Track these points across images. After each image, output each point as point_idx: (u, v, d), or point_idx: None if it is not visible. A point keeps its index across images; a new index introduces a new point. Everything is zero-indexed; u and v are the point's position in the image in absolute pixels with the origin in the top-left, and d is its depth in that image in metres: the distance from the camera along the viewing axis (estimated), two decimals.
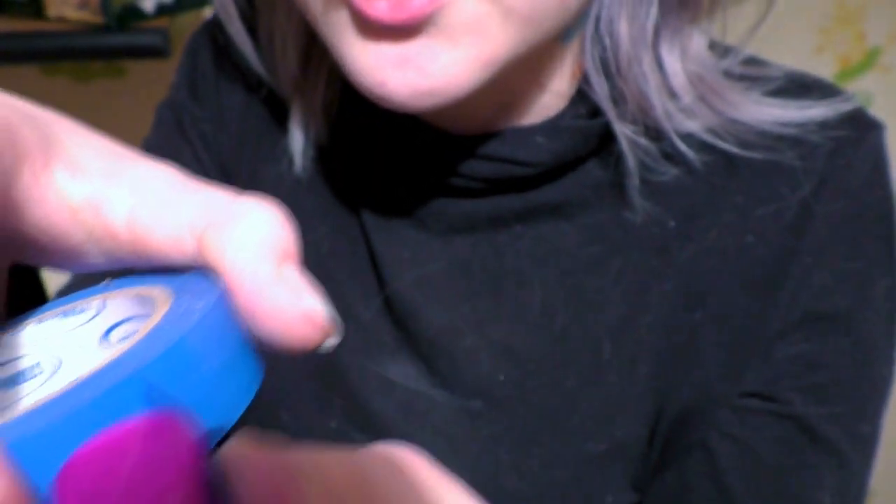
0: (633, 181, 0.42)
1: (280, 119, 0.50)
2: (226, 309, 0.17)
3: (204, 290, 0.17)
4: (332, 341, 0.17)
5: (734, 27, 0.43)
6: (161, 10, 0.92)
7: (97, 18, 0.90)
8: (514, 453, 0.44)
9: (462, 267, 0.45)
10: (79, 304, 0.19)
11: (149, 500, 0.13)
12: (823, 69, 1.12)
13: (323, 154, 0.49)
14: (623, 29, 0.40)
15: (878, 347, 0.42)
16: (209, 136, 0.52)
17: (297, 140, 0.48)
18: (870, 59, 1.13)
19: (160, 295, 0.17)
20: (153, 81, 0.58)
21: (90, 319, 0.18)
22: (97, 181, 0.18)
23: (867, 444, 0.42)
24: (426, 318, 0.45)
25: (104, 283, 0.20)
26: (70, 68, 1.07)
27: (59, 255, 0.19)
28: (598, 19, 0.40)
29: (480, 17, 0.34)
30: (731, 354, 0.42)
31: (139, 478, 0.13)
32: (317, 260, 0.48)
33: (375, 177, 0.47)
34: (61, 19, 0.91)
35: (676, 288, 0.43)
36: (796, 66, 0.46)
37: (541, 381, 0.44)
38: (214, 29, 0.53)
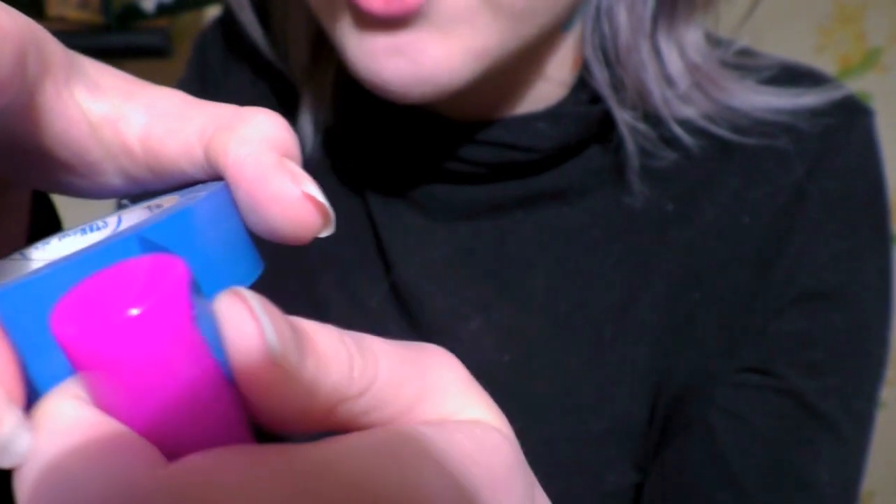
0: (633, 165, 0.43)
1: (288, 110, 0.51)
2: (227, 198, 0.18)
3: (209, 187, 0.18)
4: (329, 229, 0.18)
5: (728, 20, 0.44)
6: (161, 10, 0.92)
7: (97, 18, 0.90)
8: (517, 433, 0.45)
9: (466, 252, 0.46)
10: (97, 222, 0.20)
11: (143, 329, 0.13)
12: (823, 69, 1.12)
13: (330, 141, 0.50)
14: (622, 18, 0.41)
15: (872, 326, 0.43)
16: None
17: (307, 125, 0.49)
18: (870, 59, 1.13)
19: (171, 201, 0.18)
20: (153, 81, 0.58)
21: (109, 234, 0.19)
22: (114, 99, 0.19)
23: (863, 420, 0.43)
24: (431, 304, 0.46)
25: (121, 202, 0.21)
26: None
27: (79, 173, 0.20)
28: (597, 8, 0.41)
29: (470, 10, 0.35)
30: (728, 332, 0.43)
31: (134, 311, 0.13)
32: (325, 248, 0.49)
33: (380, 163, 0.47)
34: (61, 19, 0.91)
35: (675, 269, 0.44)
36: None
37: (543, 363, 0.45)
38: (223, 25, 0.54)
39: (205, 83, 0.53)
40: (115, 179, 0.20)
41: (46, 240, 0.20)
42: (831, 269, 0.42)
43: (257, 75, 0.52)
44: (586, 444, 0.45)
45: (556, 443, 0.45)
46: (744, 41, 0.45)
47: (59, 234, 0.20)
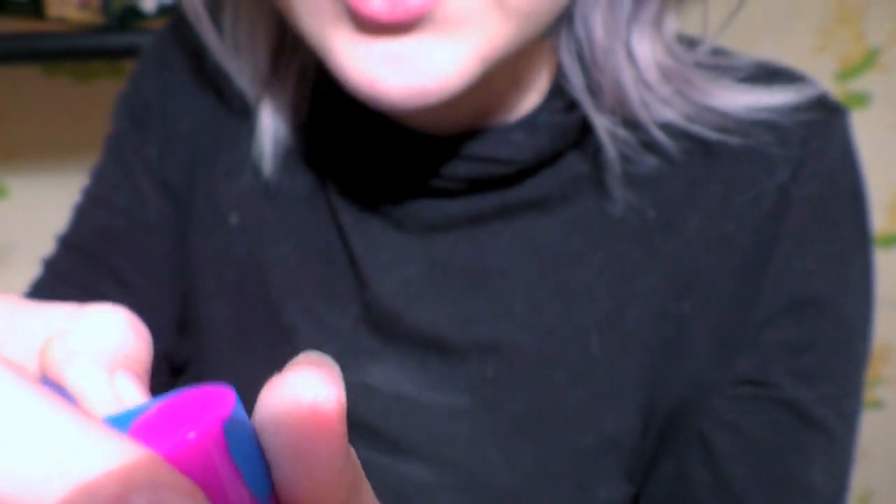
0: (614, 171, 0.43)
1: (236, 134, 0.49)
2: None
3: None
4: None
5: (714, 21, 0.43)
6: (162, 11, 0.92)
7: (98, 18, 0.90)
8: (504, 449, 0.44)
9: (444, 266, 0.45)
10: None
11: (185, 456, 0.15)
12: (823, 69, 1.12)
13: (291, 159, 0.48)
14: (598, 21, 0.40)
15: (858, 326, 0.44)
16: (154, 163, 0.50)
17: (266, 143, 0.47)
18: (870, 59, 1.13)
19: None
20: None
21: None
22: None
23: (851, 418, 0.44)
24: (411, 320, 0.45)
25: None
26: (71, 68, 1.07)
27: None
28: (573, 12, 0.41)
29: (478, 10, 0.34)
30: (721, 343, 0.43)
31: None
32: (285, 277, 0.47)
33: (350, 180, 0.46)
34: (62, 19, 0.91)
35: (662, 279, 0.44)
36: (796, 66, 0.46)
37: (529, 377, 0.44)
38: (162, 53, 0.52)
39: (137, 120, 0.51)
40: None
41: None
42: (819, 275, 0.42)
43: (199, 106, 0.50)
44: (575, 458, 0.44)
45: (545, 458, 0.44)
46: (737, 42, 0.44)
47: None
